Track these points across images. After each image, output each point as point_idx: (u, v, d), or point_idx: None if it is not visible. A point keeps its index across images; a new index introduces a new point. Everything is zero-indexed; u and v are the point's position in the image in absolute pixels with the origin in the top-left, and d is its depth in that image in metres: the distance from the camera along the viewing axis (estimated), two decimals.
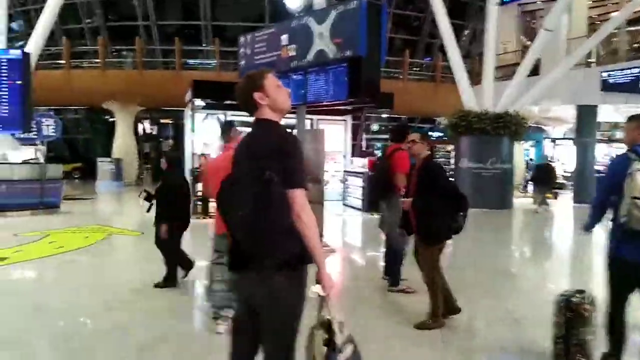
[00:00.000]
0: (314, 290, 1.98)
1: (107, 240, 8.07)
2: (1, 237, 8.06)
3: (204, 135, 12.19)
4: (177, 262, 5.18)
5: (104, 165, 18.49)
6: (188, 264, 5.25)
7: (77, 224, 9.24)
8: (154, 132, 25.66)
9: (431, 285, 3.96)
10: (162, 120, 24.91)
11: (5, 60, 10.82)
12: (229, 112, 11.76)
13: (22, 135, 11.85)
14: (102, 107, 19.85)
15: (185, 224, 5.19)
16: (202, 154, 10.86)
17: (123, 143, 19.65)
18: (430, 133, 21.93)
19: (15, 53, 10.99)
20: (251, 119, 2.16)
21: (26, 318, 4.22)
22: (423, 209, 3.96)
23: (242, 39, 7.84)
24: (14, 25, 21.14)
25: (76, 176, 21.31)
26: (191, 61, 20.72)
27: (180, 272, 5.22)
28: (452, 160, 16.13)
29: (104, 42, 19.46)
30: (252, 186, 1.91)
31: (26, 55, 11.12)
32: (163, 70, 19.84)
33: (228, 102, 10.50)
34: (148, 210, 5.26)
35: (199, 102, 11.98)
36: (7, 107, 10.80)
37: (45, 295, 4.97)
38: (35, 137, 12.43)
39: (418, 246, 4.13)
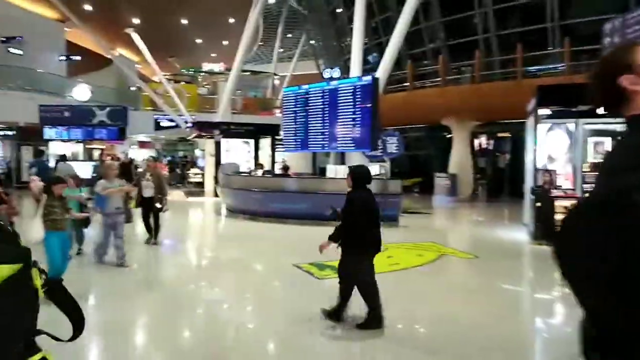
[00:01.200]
0: None
1: (440, 261, 7.75)
2: None
3: (549, 148, 10.61)
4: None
5: (440, 180, 18.90)
6: None
7: (413, 240, 9.35)
8: (490, 147, 24.81)
9: None
10: (498, 134, 23.84)
11: (359, 86, 12.18)
12: (582, 120, 9.84)
13: (370, 153, 13.11)
14: (440, 124, 20.40)
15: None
16: (546, 170, 9.41)
17: (459, 158, 19.65)
18: None
19: (366, 79, 12.22)
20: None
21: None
22: None
23: (607, 27, 6.23)
24: (370, 57, 24.31)
25: (416, 190, 22.62)
26: (532, 68, 18.98)
27: None
28: None
29: (444, 61, 19.98)
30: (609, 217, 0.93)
31: (375, 80, 12.21)
32: (501, 81, 18.87)
33: (581, 108, 8.73)
34: None
35: (543, 111, 10.52)
36: (359, 128, 12.11)
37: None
38: (381, 154, 13.58)
39: None
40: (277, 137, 20.77)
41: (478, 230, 11.99)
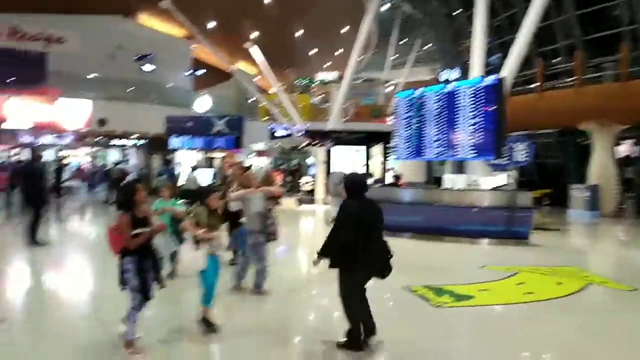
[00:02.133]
0: None
1: (586, 292, 6.32)
2: (468, 268, 7.74)
3: None
4: None
5: (577, 192, 16.55)
6: None
7: (548, 263, 7.93)
8: (638, 154, 21.37)
9: None
10: None
11: (481, 87, 10.93)
12: None
13: (492, 162, 11.72)
14: (575, 128, 17.96)
15: None
16: None
17: (600, 167, 17.06)
18: None
19: (490, 79, 10.92)
20: None
21: None
22: None
23: None
24: (492, 59, 22.43)
25: (545, 203, 20.19)
26: None
27: None
28: None
29: (580, 57, 17.60)
30: None
31: (501, 81, 10.87)
32: None
33: None
34: None
35: None
36: (481, 134, 10.84)
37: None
38: (507, 162, 12.08)
39: None
40: (388, 144, 19.98)
41: (631, 254, 10.00)
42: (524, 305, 5.55)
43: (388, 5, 28.56)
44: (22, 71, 21.25)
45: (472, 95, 11.07)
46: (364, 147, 19.73)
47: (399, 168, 19.41)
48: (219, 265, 4.72)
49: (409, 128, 13.03)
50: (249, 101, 32.99)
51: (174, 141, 21.51)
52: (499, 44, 22.56)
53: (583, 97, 16.70)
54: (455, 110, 11.50)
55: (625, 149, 20.41)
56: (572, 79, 18.15)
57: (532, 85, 19.24)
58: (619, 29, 17.75)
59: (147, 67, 23.98)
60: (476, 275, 7.00)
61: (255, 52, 26.63)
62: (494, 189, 10.29)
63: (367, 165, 19.09)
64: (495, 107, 10.64)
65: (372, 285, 6.53)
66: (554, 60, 19.98)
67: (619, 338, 4.75)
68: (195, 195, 5.39)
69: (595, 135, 17.31)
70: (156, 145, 23.08)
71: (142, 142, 23.58)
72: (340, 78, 30.71)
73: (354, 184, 4.36)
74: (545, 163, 23.78)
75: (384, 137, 19.95)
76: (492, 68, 21.52)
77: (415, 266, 7.70)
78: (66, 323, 4.89)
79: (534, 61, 18.91)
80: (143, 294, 4.05)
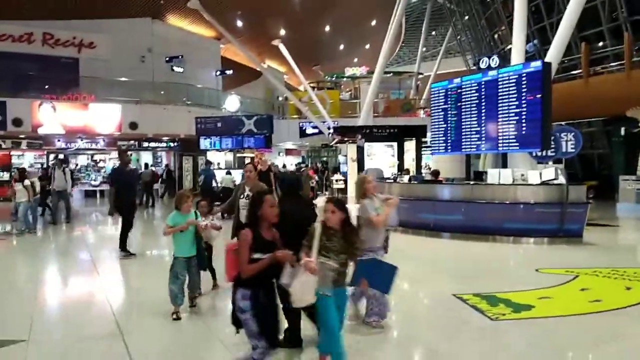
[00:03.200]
0: None
1: None
2: (521, 272, 7.11)
3: None
4: None
5: (627, 184, 15.50)
6: None
7: (609, 263, 7.19)
8: None
9: None
10: None
11: (524, 74, 10.19)
12: None
13: (538, 154, 10.96)
14: (623, 116, 16.83)
15: None
16: None
17: None
18: None
19: (535, 65, 10.16)
20: None
21: None
22: None
23: None
24: (529, 46, 21.35)
25: (591, 196, 19.07)
26: None
27: None
28: None
29: (629, 39, 16.47)
30: None
31: (547, 66, 10.10)
32: None
33: None
34: None
35: None
36: (526, 124, 10.11)
37: None
38: (553, 154, 11.28)
39: None
40: (423, 139, 19.29)
41: None
42: (591, 316, 4.92)
43: None
44: (56, 77, 21.56)
45: (515, 82, 10.34)
46: (395, 143, 19.08)
47: (432, 163, 18.71)
48: (345, 299, 3.52)
49: (445, 121, 12.38)
50: (279, 99, 32.74)
51: (203, 142, 21.40)
52: (533, 31, 21.48)
53: (632, 82, 15.62)
54: (497, 99, 10.79)
55: None
56: (618, 63, 17.05)
57: (575, 72, 18.17)
58: None
59: (177, 68, 23.95)
60: (531, 280, 6.35)
61: (282, 49, 26.32)
62: (543, 183, 9.54)
63: (401, 161, 18.44)
64: (540, 94, 9.90)
65: (418, 294, 6.05)
66: (598, 44, 18.82)
67: None
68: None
69: None
70: (187, 146, 23.04)
71: (173, 144, 23.58)
72: (369, 73, 30.13)
73: (285, 183, 4.37)
74: (589, 154, 22.56)
75: (417, 132, 19.27)
76: (529, 55, 20.50)
77: (461, 270, 7.14)
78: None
79: (572, 47, 17.84)
80: (268, 341, 3.09)
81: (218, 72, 27.26)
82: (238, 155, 24.10)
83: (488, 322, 4.69)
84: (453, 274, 6.80)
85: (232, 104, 24.90)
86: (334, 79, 36.57)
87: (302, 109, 25.23)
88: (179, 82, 23.56)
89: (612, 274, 6.50)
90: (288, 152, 33.63)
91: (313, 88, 30.31)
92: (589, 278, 6.33)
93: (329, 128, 22.85)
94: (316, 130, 25.16)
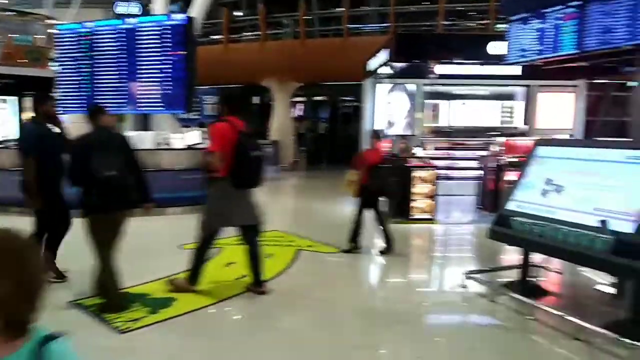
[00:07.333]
0: None
1: (302, 261, 5.72)
2: (165, 252, 6.22)
3: (390, 111, 9.59)
4: None
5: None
6: None
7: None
8: (307, 112, 23.85)
9: None
10: (317, 98, 22.91)
11: (168, 27, 9.19)
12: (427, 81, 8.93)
13: (184, 116, 10.34)
14: (261, 85, 18.24)
15: None
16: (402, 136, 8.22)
17: (280, 124, 17.90)
18: None
19: (178, 18, 9.28)
20: None
21: None
22: None
23: None
24: (173, 6, 20.64)
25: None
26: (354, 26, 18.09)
27: None
28: None
29: (263, 12, 17.73)
30: None
31: (191, 20, 9.37)
32: (328, 38, 17.56)
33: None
34: None
35: (384, 70, 9.35)
36: (170, 83, 9.20)
37: None
38: (197, 117, 10.90)
39: None
40: (49, 93, 16.03)
41: (326, 209, 10.11)
42: (245, 298, 4.42)
43: None
44: None
45: (158, 35, 9.23)
46: (15, 98, 15.21)
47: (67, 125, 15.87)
48: None
49: (77, 73, 10.23)
50: None
51: None
52: None
53: (265, 53, 16.94)
54: (138, 53, 9.46)
55: (298, 107, 22.33)
56: (252, 34, 18.26)
57: (216, 37, 18.49)
58: None
59: None
60: (176, 260, 5.40)
61: None
62: (189, 147, 8.93)
63: (21, 120, 14.83)
64: (184, 51, 9.13)
65: None
66: (236, 13, 19.75)
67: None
68: None
69: (276, 92, 17.95)
70: None
71: None
72: None
73: None
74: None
75: (44, 85, 15.85)
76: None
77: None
78: None
79: (214, 12, 18.12)
80: None
81: None
82: None
83: (116, 338, 3.48)
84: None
85: None
86: None
87: None
88: None
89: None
90: None
91: None
92: (234, 250, 5.96)
93: None
94: None
